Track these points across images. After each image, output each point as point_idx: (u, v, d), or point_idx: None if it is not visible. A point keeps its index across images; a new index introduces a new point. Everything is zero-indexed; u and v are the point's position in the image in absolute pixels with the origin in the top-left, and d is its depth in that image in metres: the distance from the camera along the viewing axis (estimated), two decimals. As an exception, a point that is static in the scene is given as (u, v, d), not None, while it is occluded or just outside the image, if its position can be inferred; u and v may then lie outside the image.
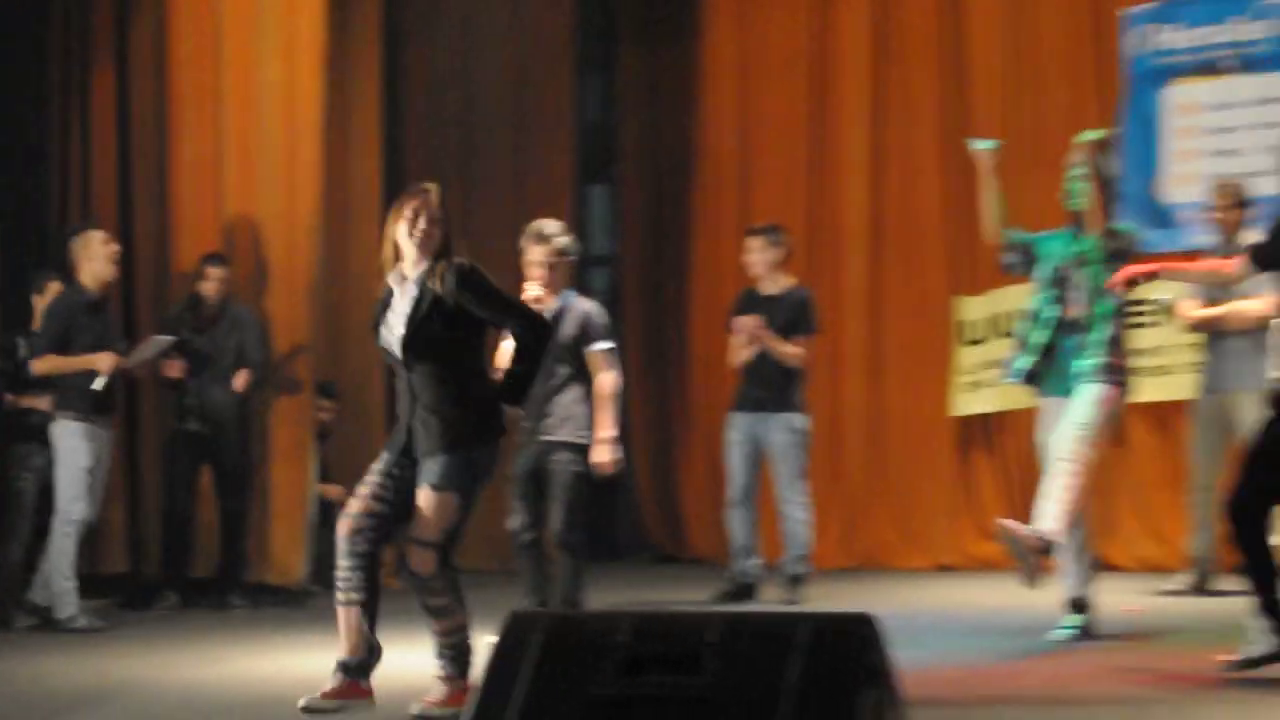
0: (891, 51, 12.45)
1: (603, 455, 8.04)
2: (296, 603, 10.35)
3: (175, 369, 10.04)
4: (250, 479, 10.47)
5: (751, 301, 9.99)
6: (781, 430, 9.75)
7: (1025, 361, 7.91)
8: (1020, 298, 11.35)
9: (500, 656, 3.83)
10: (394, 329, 6.16)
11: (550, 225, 8.32)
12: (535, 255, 8.19)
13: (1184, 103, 11.38)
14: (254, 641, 8.68)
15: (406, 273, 6.17)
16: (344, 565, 6.26)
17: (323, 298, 10.96)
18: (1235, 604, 6.87)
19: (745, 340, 9.80)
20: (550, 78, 13.00)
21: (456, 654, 6.28)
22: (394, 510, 6.21)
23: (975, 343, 12.03)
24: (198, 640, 8.73)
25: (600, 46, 13.86)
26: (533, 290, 8.09)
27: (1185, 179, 11.23)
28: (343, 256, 11.65)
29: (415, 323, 6.09)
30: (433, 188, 6.26)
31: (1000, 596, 9.88)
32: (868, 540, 12.30)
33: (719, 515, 12.20)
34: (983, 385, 11.91)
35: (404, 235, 6.11)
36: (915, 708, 5.06)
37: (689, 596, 9.90)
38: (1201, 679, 6.72)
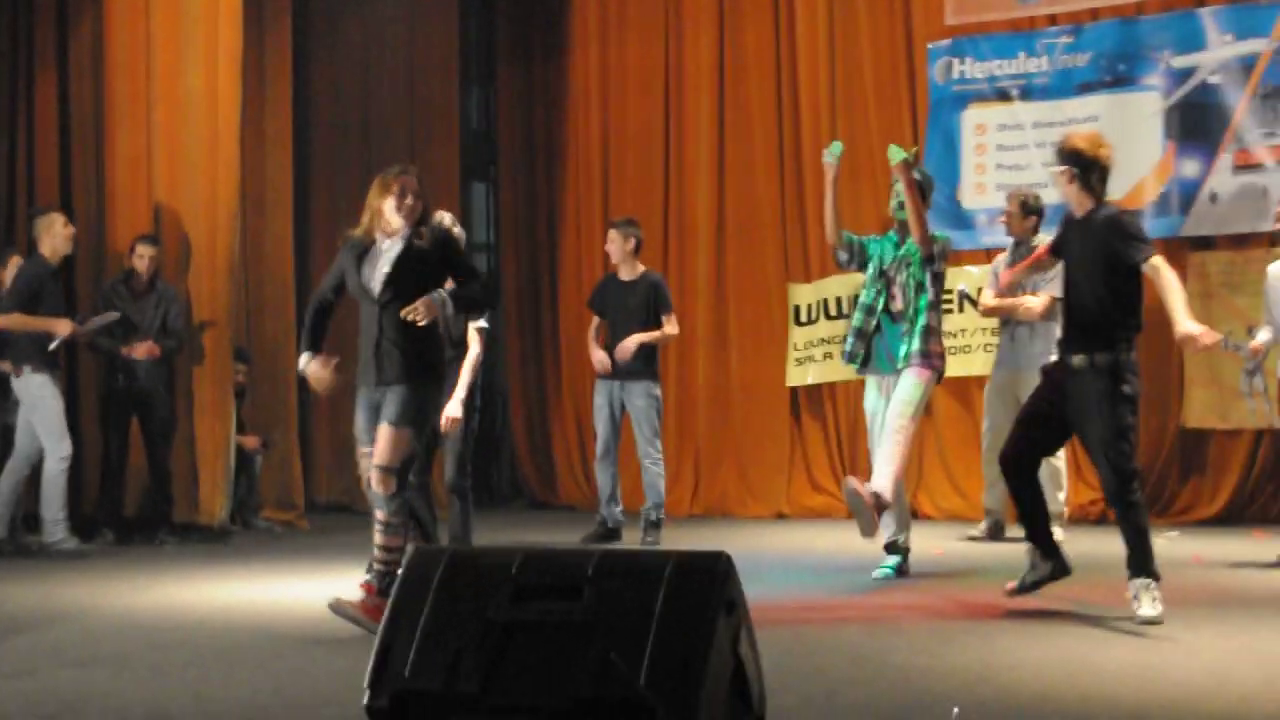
0: (733, 73, 12.48)
1: (451, 411, 8.09)
2: (218, 539, 10.34)
3: (141, 350, 10.08)
4: (174, 431, 10.45)
5: (611, 286, 10.06)
6: (641, 396, 9.82)
7: (854, 346, 8.07)
8: (843, 286, 11.71)
9: (406, 585, 3.73)
10: (377, 272, 6.43)
11: (446, 217, 8.18)
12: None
13: (978, 124, 11.54)
14: (181, 573, 8.64)
15: (388, 233, 6.45)
16: (383, 512, 6.50)
17: (240, 276, 10.95)
18: (1021, 548, 6.97)
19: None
20: (439, 88, 13.01)
21: (386, 570, 6.38)
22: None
23: (805, 323, 12.11)
24: (131, 571, 8.70)
25: (483, 62, 13.89)
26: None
27: (980, 189, 11.49)
28: (258, 240, 11.73)
29: (399, 267, 6.40)
30: (412, 169, 6.62)
31: (828, 541, 10.15)
32: (715, 492, 12.40)
33: (586, 468, 12.48)
34: (812, 360, 12.03)
35: (390, 205, 6.41)
36: (761, 633, 5.29)
37: (561, 538, 9.93)
38: (995, 609, 6.92)
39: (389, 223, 6.45)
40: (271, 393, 11.84)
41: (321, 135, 13.04)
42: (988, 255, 11.42)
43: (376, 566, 6.46)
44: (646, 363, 9.91)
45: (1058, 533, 8.94)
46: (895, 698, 5.04)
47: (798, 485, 12.15)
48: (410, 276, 6.41)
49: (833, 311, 11.84)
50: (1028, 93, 11.39)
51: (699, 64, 12.61)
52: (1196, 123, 10.82)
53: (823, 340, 11.95)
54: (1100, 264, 6.46)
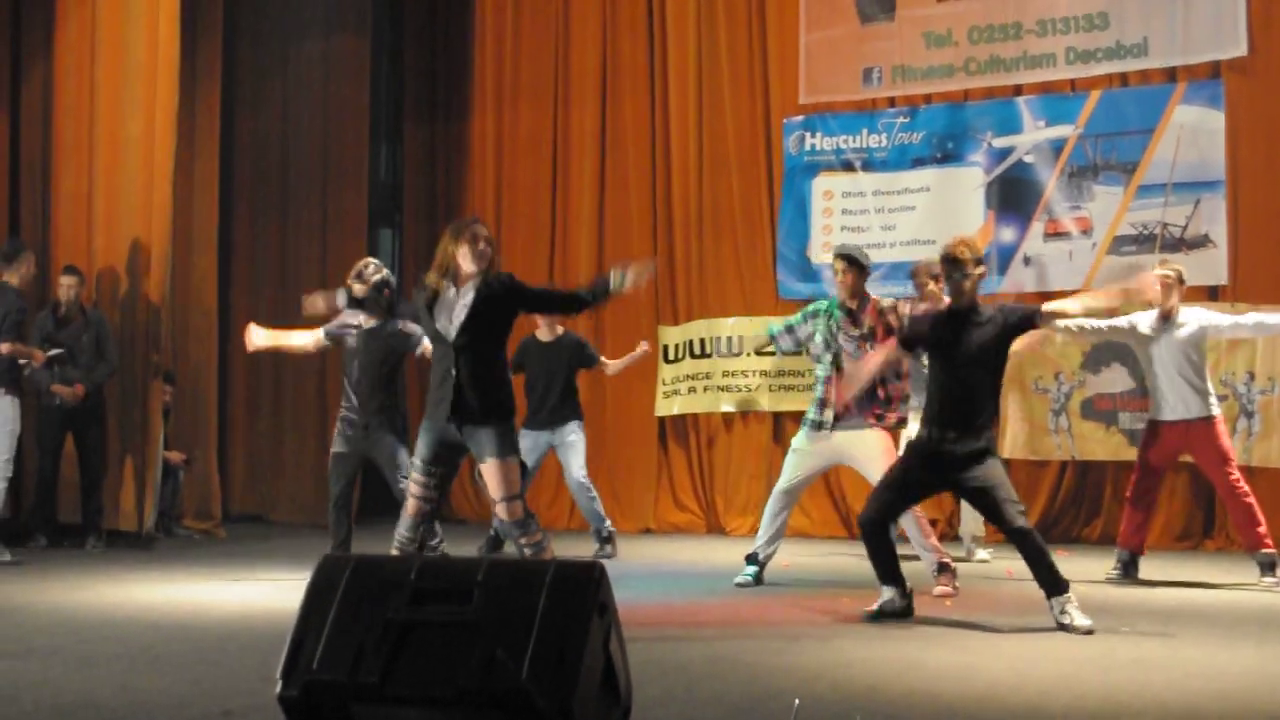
0: (613, 138, 12.53)
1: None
2: (143, 546, 10.20)
3: (68, 393, 9.96)
4: (104, 446, 10.31)
5: (532, 347, 9.73)
6: (573, 433, 9.63)
7: (820, 415, 7.93)
8: (707, 329, 11.82)
9: (315, 589, 3.77)
10: (452, 318, 6.16)
11: (371, 264, 8.08)
12: (359, 291, 7.94)
13: (826, 190, 11.67)
14: (109, 575, 8.54)
15: (461, 280, 6.18)
16: (406, 532, 6.39)
17: (169, 305, 10.80)
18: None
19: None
20: (351, 143, 12.92)
21: None
22: (439, 496, 6.45)
23: (673, 361, 12.14)
24: (63, 573, 8.61)
25: (392, 121, 13.86)
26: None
27: (827, 246, 11.51)
28: (185, 273, 11.61)
29: (476, 311, 6.13)
30: (480, 222, 6.40)
31: (689, 553, 10.21)
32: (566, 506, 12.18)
33: (475, 486, 12.38)
34: (678, 394, 12.09)
35: (466, 254, 6.15)
36: (629, 634, 5.33)
37: (455, 548, 9.93)
38: (834, 615, 7.00)
39: (464, 269, 6.17)
40: (194, 413, 11.72)
41: (244, 181, 12.94)
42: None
43: None
44: (574, 406, 9.77)
45: (982, 554, 9.09)
46: (746, 691, 5.11)
47: (663, 504, 12.18)
48: (484, 321, 6.17)
49: (697, 351, 11.96)
50: (869, 164, 11.56)
51: (583, 129, 12.65)
52: (1013, 195, 11.06)
53: (688, 376, 12.04)
54: (990, 353, 6.55)
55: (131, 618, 6.83)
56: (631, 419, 12.33)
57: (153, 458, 10.51)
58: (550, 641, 3.50)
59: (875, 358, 7.20)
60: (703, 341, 11.95)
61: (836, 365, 7.82)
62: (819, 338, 7.94)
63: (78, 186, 10.79)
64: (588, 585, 3.66)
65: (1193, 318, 8.21)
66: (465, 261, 6.17)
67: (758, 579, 8.13)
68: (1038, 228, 10.90)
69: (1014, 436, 10.88)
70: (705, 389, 11.94)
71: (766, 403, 11.76)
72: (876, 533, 6.74)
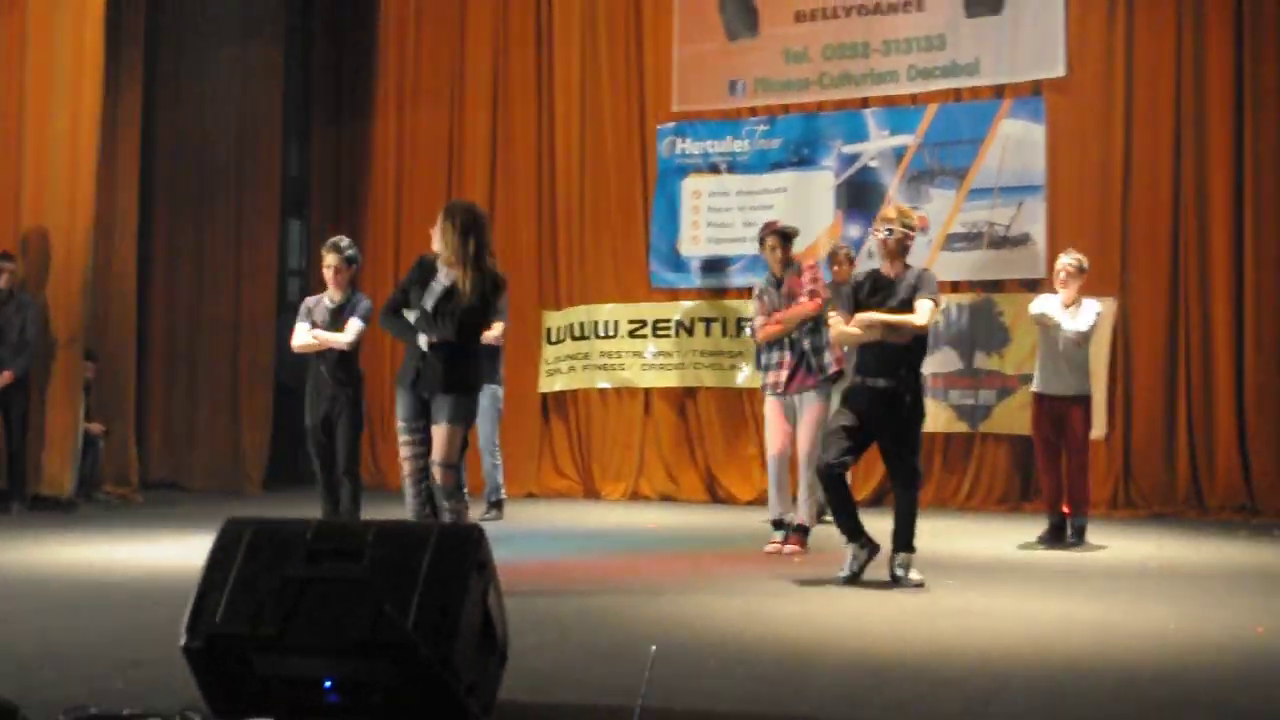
0: (504, 140, 12.42)
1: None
2: (65, 510, 10.01)
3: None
4: (29, 419, 10.10)
5: None
6: (487, 398, 8.77)
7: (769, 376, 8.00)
8: (586, 314, 11.85)
9: (219, 548, 3.73)
10: (434, 295, 6.04)
11: (344, 240, 7.74)
12: (330, 260, 7.61)
13: (695, 190, 11.68)
14: (31, 537, 8.40)
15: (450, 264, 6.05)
16: (413, 495, 6.18)
17: (91, 290, 10.62)
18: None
19: None
20: (264, 141, 12.68)
21: None
22: (428, 451, 6.14)
23: (555, 343, 12.09)
24: (-11, 534, 8.44)
25: (302, 120, 13.66)
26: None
27: (695, 240, 11.68)
28: (106, 261, 11.37)
29: (446, 296, 6.01)
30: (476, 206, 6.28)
31: (567, 516, 10.20)
32: (479, 476, 11.85)
33: (375, 453, 12.32)
34: (559, 372, 12.03)
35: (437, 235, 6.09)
36: (511, 590, 5.32)
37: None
38: (698, 571, 7.09)
39: (441, 253, 6.06)
40: (114, 388, 11.50)
41: (165, 176, 12.65)
42: (700, 293, 11.67)
43: None
44: (493, 368, 9.17)
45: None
46: (612, 639, 5.16)
47: (545, 471, 12.11)
48: (451, 306, 6.02)
49: (577, 334, 11.96)
50: (733, 167, 11.60)
51: (476, 130, 12.55)
52: (860, 197, 11.16)
53: (569, 356, 12.05)
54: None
55: (52, 576, 6.74)
56: (517, 395, 12.20)
57: (73, 428, 10.32)
58: (433, 597, 3.51)
59: (799, 309, 7.31)
60: (582, 325, 11.97)
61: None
62: (757, 305, 8.03)
63: (6, 178, 10.53)
64: (468, 545, 3.65)
65: (1089, 307, 8.24)
66: (439, 247, 6.07)
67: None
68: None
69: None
70: (584, 368, 11.96)
71: (638, 380, 11.81)
72: (836, 481, 6.55)
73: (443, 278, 6.11)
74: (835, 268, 9.23)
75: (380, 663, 3.48)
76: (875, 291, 6.68)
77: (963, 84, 10.96)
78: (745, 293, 11.53)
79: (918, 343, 6.68)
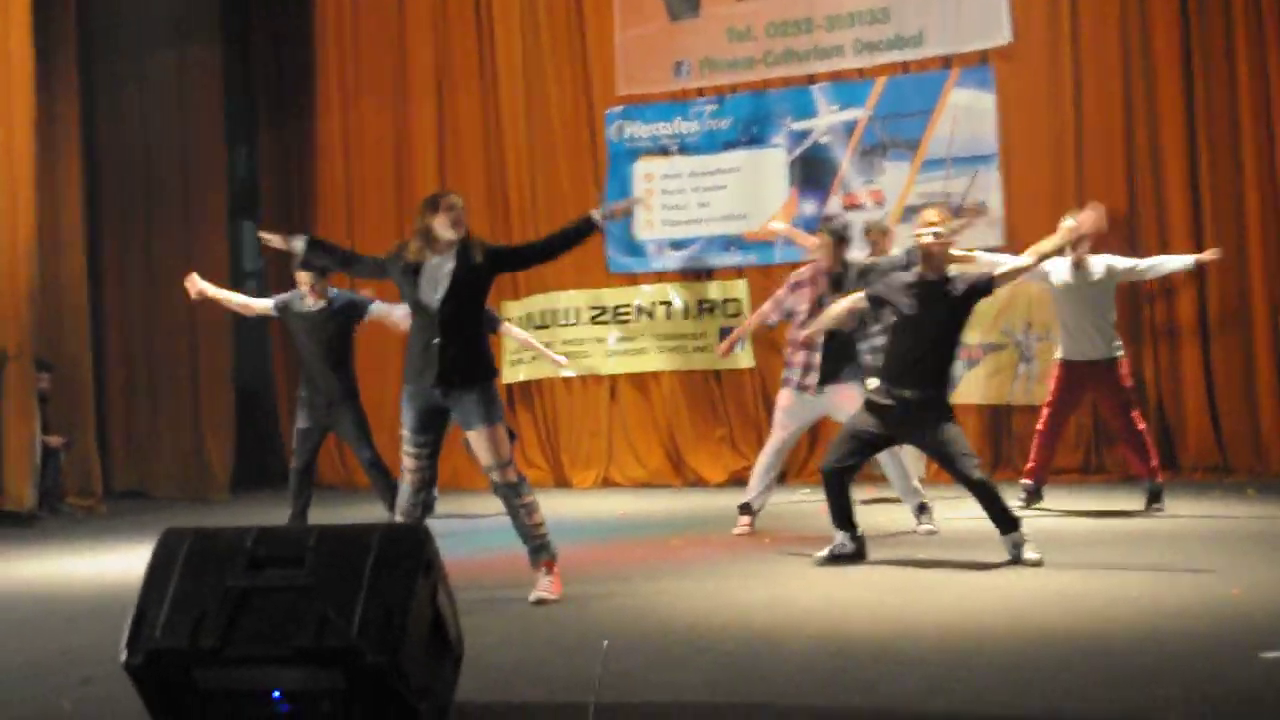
0: (451, 133, 12.23)
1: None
2: (25, 524, 9.85)
3: None
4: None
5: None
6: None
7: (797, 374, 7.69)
8: (547, 301, 11.73)
9: (156, 562, 3.61)
10: (435, 286, 5.67)
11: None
12: (305, 278, 7.75)
13: (647, 173, 11.51)
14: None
15: (439, 250, 5.67)
16: (407, 503, 5.84)
17: (38, 301, 10.44)
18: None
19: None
20: (207, 144, 12.44)
21: (544, 541, 5.81)
22: (432, 464, 5.89)
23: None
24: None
25: (248, 122, 13.47)
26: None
27: (649, 224, 11.51)
28: (55, 273, 11.19)
29: (458, 278, 5.66)
30: (456, 193, 5.88)
31: (567, 506, 9.84)
32: (447, 469, 11.35)
33: (342, 454, 12.12)
34: (522, 362, 11.85)
35: (443, 222, 5.63)
36: (477, 584, 5.16)
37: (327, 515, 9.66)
38: (666, 556, 6.97)
39: (442, 237, 5.67)
40: (73, 399, 11.27)
41: (110, 184, 12.47)
42: (659, 276, 11.54)
43: (537, 542, 5.82)
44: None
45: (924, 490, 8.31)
46: (577, 631, 5.04)
47: (515, 462, 11.89)
48: (466, 287, 5.70)
49: (538, 323, 11.80)
50: (684, 149, 11.45)
51: (422, 124, 12.35)
52: (813, 173, 11.04)
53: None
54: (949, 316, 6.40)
55: (8, 591, 6.61)
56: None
57: (30, 441, 10.15)
58: (378, 601, 3.39)
59: (840, 305, 6.95)
60: (542, 313, 11.83)
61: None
62: (804, 306, 7.65)
63: (-55, 194, 10.31)
64: (413, 546, 3.54)
65: (1100, 264, 8.10)
66: (444, 230, 5.66)
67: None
68: (836, 201, 10.93)
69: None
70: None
71: (602, 367, 11.68)
72: (834, 480, 6.42)
73: (438, 264, 5.72)
74: (878, 244, 8.83)
75: (327, 671, 3.35)
76: (914, 286, 6.43)
77: (909, 56, 10.84)
78: (704, 275, 11.48)
79: (947, 350, 6.45)
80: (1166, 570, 5.88)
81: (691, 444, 11.41)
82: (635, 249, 11.62)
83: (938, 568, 6.20)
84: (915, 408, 6.34)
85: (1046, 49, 10.49)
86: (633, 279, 11.67)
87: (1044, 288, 8.51)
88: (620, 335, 11.58)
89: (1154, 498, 8.05)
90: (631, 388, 11.64)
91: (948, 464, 6.40)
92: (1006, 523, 6.27)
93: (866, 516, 6.86)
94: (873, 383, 6.96)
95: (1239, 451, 9.87)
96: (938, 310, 6.38)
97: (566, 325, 11.72)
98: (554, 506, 9.61)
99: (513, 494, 5.80)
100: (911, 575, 6.05)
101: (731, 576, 6.23)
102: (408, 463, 5.84)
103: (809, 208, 11.01)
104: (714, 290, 11.34)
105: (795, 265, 10.99)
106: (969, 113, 10.57)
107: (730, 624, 5.06)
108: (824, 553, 6.49)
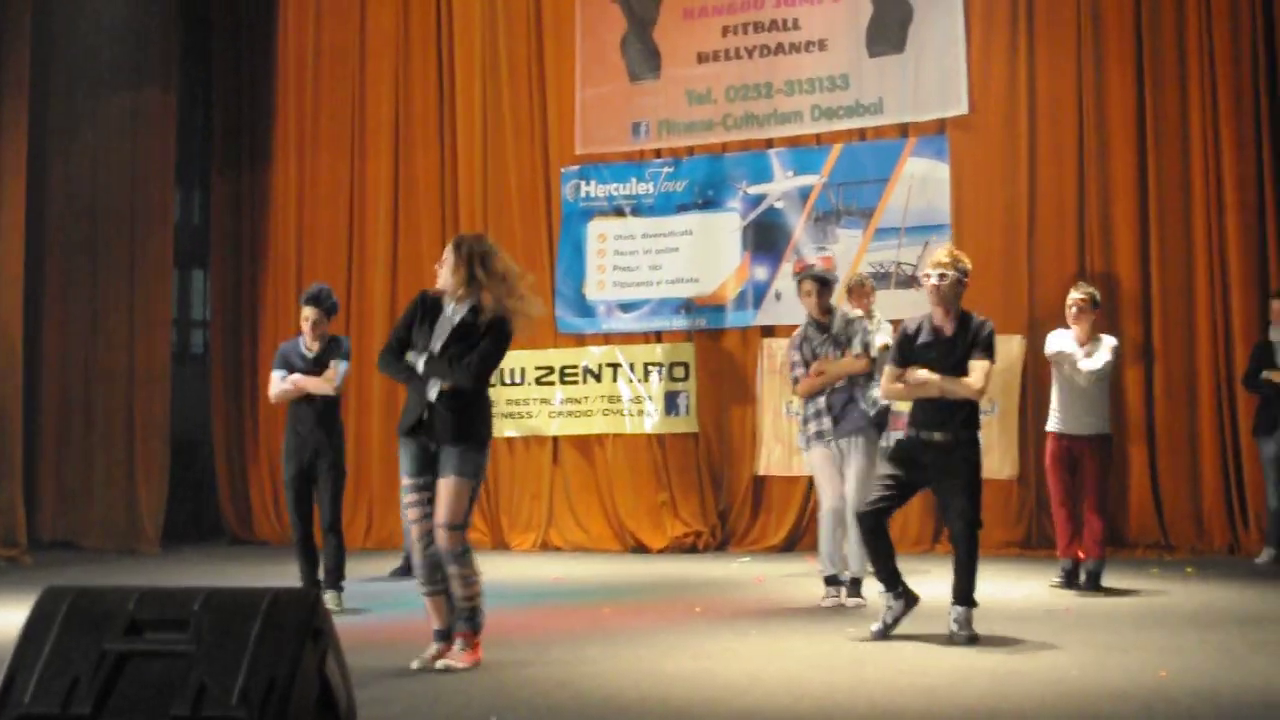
0: (406, 187, 12.19)
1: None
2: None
3: None
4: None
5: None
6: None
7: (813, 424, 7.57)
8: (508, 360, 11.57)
9: (34, 620, 3.39)
10: (438, 335, 5.64)
11: (324, 289, 7.68)
12: (309, 314, 7.62)
13: (600, 233, 11.50)
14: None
15: (458, 298, 5.65)
16: (421, 561, 5.63)
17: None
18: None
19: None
20: (157, 190, 12.33)
21: (472, 614, 5.61)
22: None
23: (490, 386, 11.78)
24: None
25: (201, 168, 13.39)
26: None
27: (601, 285, 11.48)
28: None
29: (459, 335, 5.60)
30: (484, 236, 5.80)
31: (503, 569, 9.61)
32: (385, 529, 11.73)
33: (278, 509, 11.95)
34: (502, 416, 11.57)
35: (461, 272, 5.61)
36: (400, 648, 4.97)
37: (258, 571, 9.49)
38: (591, 624, 6.85)
39: (457, 288, 5.61)
40: (0, 444, 11.05)
41: (55, 226, 12.28)
42: (606, 338, 11.46)
43: (464, 614, 5.63)
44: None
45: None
46: (487, 701, 4.89)
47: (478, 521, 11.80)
48: (465, 345, 5.59)
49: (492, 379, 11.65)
50: (638, 210, 11.45)
51: (378, 177, 12.31)
52: (766, 238, 11.05)
53: (507, 401, 11.70)
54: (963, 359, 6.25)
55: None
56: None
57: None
58: (261, 669, 3.23)
59: (846, 365, 6.87)
60: (498, 371, 11.69)
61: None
62: (797, 355, 7.57)
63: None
64: (301, 612, 3.35)
65: (1105, 343, 8.02)
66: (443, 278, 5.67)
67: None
68: (788, 267, 10.87)
69: (767, 455, 10.90)
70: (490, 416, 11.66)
71: (546, 428, 11.57)
72: (869, 523, 6.22)
73: (450, 314, 5.69)
74: (859, 300, 8.66)
75: (205, 742, 3.20)
76: (931, 345, 6.29)
77: (867, 123, 10.90)
78: (652, 336, 11.41)
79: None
80: (1096, 650, 5.80)
81: (634, 509, 11.29)
82: (585, 309, 11.56)
83: (859, 643, 6.09)
84: (943, 449, 6.19)
85: (1003, 120, 10.56)
86: (580, 340, 11.59)
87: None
88: (565, 396, 11.48)
89: (1094, 577, 7.98)
90: (575, 450, 11.53)
91: (950, 511, 6.21)
92: (964, 595, 6.13)
93: (794, 588, 6.76)
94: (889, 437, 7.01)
95: (1180, 529, 9.84)
96: (949, 357, 6.24)
97: (511, 385, 11.61)
98: (491, 569, 9.37)
99: (450, 560, 5.58)
100: (840, 649, 5.94)
101: (656, 646, 6.11)
102: (411, 513, 5.66)
103: (760, 272, 11.00)
104: (661, 353, 11.27)
105: (744, 330, 11.07)
106: (924, 182, 10.62)
107: (648, 697, 4.94)
108: (876, 627, 6.21)
